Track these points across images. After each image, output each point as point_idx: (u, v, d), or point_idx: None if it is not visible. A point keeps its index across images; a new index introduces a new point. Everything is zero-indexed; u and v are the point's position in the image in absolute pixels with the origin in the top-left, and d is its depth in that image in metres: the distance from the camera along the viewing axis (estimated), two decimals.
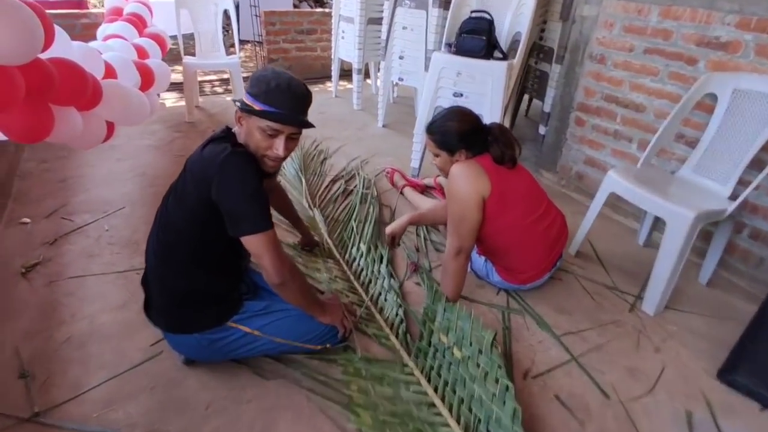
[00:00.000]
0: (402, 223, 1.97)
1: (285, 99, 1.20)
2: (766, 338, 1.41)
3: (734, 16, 1.86)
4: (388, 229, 1.98)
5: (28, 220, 2.06)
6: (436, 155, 1.68)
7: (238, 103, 1.25)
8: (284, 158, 1.28)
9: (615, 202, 2.37)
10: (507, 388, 1.31)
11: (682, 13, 2.01)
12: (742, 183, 1.80)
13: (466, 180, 1.57)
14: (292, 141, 1.27)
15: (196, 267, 1.27)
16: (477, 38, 2.35)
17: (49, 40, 1.42)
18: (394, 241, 1.99)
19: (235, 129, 1.31)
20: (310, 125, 1.28)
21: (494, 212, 1.59)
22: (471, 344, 1.47)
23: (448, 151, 1.64)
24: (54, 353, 1.44)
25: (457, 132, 1.61)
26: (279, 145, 1.23)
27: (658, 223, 2.20)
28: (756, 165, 1.79)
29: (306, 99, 1.27)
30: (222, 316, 1.31)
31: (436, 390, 1.39)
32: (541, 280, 1.83)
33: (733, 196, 1.79)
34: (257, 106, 1.20)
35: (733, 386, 1.49)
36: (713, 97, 1.93)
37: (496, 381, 1.34)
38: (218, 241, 1.26)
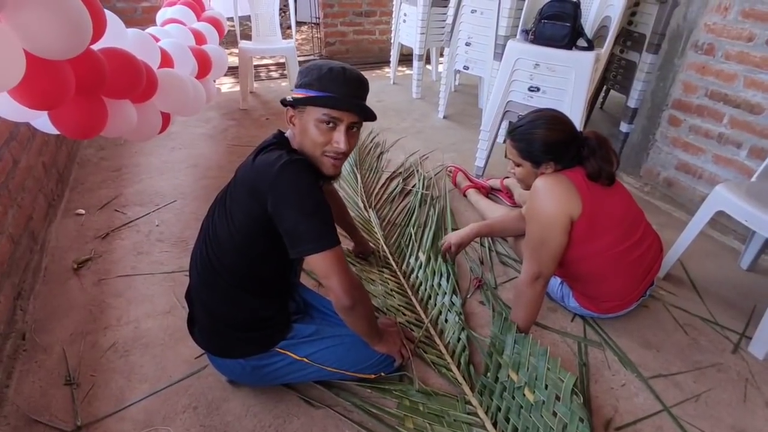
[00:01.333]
0: (466, 234, 1.77)
1: (341, 83, 1.06)
2: None
3: None
4: (453, 239, 1.78)
5: (83, 212, 2.05)
6: (518, 165, 1.45)
7: (289, 99, 1.10)
8: (347, 154, 1.13)
9: (714, 215, 2.05)
10: None
11: None
12: None
13: (552, 197, 1.34)
14: (352, 135, 1.12)
15: (243, 291, 1.15)
16: (560, 24, 2.06)
17: (99, 30, 1.32)
18: (454, 252, 1.80)
19: (288, 132, 1.17)
20: (371, 113, 1.12)
21: (582, 236, 1.36)
22: (546, 387, 1.26)
23: (533, 163, 1.41)
24: (98, 360, 1.39)
25: (546, 142, 1.36)
26: (340, 137, 1.08)
27: None
28: None
29: (364, 84, 1.12)
30: (268, 341, 1.19)
31: None
32: (626, 310, 1.59)
33: None
34: (311, 95, 1.06)
35: None
36: None
37: None
38: (268, 262, 1.13)
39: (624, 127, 2.70)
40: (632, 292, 1.52)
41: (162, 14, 2.70)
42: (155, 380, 1.34)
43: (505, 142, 1.51)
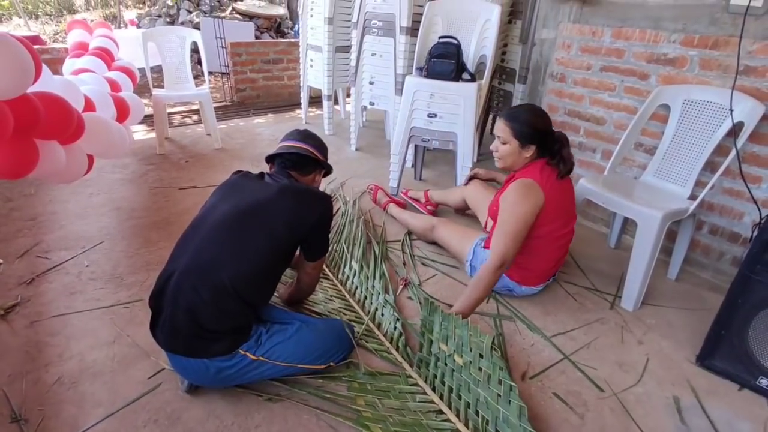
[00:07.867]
0: (490, 174, 2.32)
1: None
2: (736, 324, 1.52)
3: (679, 34, 2.06)
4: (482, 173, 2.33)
5: (0, 261, 1.97)
6: (505, 143, 1.72)
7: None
8: None
9: (585, 209, 2.51)
10: (510, 388, 1.35)
11: (632, 33, 2.21)
12: (699, 184, 1.97)
13: (528, 199, 1.66)
14: None
15: (248, 305, 1.31)
16: (446, 62, 2.48)
17: (36, 75, 1.41)
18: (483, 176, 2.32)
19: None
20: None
21: (539, 222, 1.69)
22: (471, 350, 1.51)
23: (521, 143, 1.70)
24: (45, 395, 1.38)
25: (539, 128, 1.68)
26: None
27: (627, 226, 2.35)
28: (709, 167, 1.97)
29: None
30: (235, 344, 1.31)
31: (441, 397, 1.42)
32: (539, 287, 1.92)
33: (693, 197, 1.95)
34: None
35: (712, 370, 1.60)
36: (666, 108, 2.12)
37: (500, 382, 1.38)
38: (280, 273, 1.44)
39: None
40: (551, 272, 1.88)
41: (70, 65, 2.72)
42: (110, 404, 1.36)
43: (494, 123, 1.92)
